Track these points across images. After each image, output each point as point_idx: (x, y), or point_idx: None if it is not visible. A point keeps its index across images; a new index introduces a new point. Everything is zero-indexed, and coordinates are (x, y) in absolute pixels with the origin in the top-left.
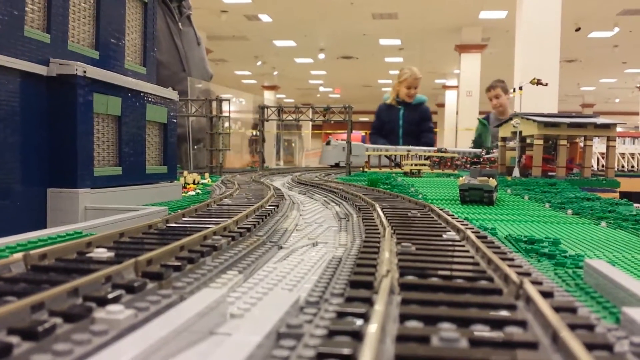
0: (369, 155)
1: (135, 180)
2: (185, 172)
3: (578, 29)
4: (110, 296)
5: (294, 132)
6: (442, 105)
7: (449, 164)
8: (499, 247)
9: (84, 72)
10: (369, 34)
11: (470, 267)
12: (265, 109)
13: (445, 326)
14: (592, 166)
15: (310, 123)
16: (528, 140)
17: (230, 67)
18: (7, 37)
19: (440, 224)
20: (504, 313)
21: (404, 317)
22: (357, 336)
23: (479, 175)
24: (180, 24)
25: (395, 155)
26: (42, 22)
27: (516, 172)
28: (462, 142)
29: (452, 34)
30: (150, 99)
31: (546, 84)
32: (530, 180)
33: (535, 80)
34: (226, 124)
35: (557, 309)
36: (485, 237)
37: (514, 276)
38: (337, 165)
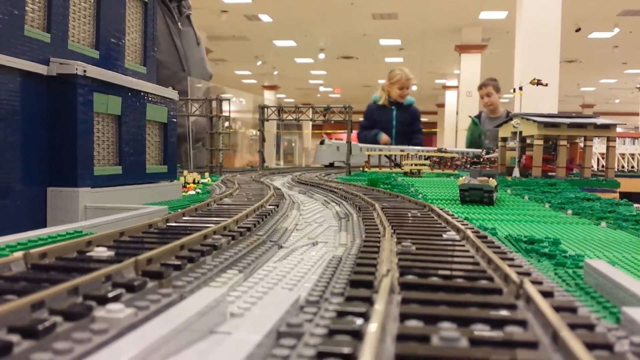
0: (369, 155)
1: (136, 179)
2: (185, 172)
3: (578, 30)
4: (110, 295)
5: (294, 132)
6: (442, 106)
7: (449, 164)
8: (499, 247)
9: (84, 71)
10: (369, 34)
11: (470, 267)
12: (266, 109)
13: (445, 325)
14: (592, 166)
15: (310, 123)
16: (528, 141)
17: (230, 67)
18: (7, 37)
19: (441, 223)
20: (504, 313)
21: (404, 317)
22: (358, 335)
23: (479, 175)
24: (179, 23)
25: (395, 155)
26: (43, 21)
27: (516, 172)
28: (462, 143)
29: (452, 34)
30: (150, 99)
31: (546, 85)
32: (530, 180)
33: (535, 81)
34: (226, 124)
35: (557, 309)
36: (485, 237)
37: (514, 276)
38: (331, 165)
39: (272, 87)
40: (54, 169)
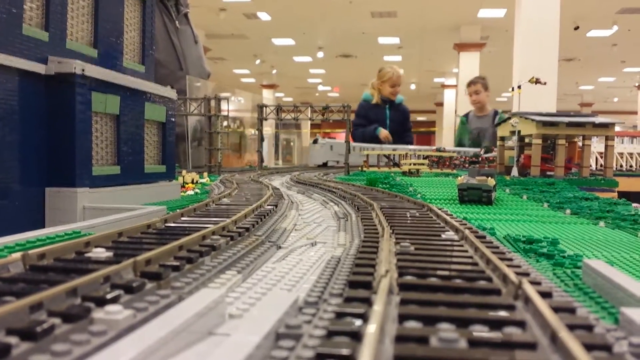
0: (367, 155)
1: (134, 179)
2: (184, 172)
3: (577, 28)
4: (108, 296)
5: (293, 132)
6: (440, 104)
7: (447, 163)
8: (497, 247)
9: (83, 70)
10: (368, 32)
11: (469, 267)
12: (264, 108)
13: (444, 326)
14: (591, 166)
15: (309, 122)
16: (527, 140)
17: (229, 65)
18: (5, 35)
19: (439, 223)
20: (502, 313)
21: (402, 318)
22: (356, 337)
23: (477, 175)
24: (177, 22)
25: (393, 155)
26: (41, 20)
27: (515, 172)
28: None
29: (451, 32)
30: (148, 98)
31: (545, 83)
32: (528, 179)
33: (534, 79)
34: (225, 123)
35: (556, 309)
36: (484, 237)
37: (512, 276)
38: (324, 164)
39: (270, 86)
40: (52, 169)
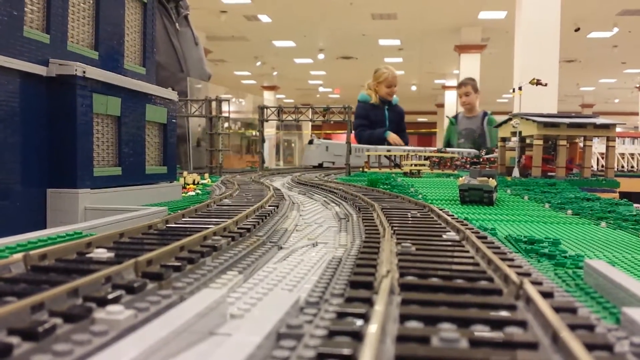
0: (368, 156)
1: (135, 180)
2: (185, 173)
3: (577, 29)
4: (110, 297)
5: (294, 133)
6: (441, 106)
7: (448, 164)
8: (498, 248)
9: (84, 72)
10: (368, 34)
11: (470, 268)
12: (265, 109)
13: (445, 326)
14: (592, 166)
15: (310, 123)
16: (528, 141)
17: (229, 67)
18: (6, 38)
19: (440, 224)
20: (504, 313)
21: (404, 318)
22: (357, 336)
23: (478, 176)
24: (177, 24)
25: (394, 156)
26: (42, 22)
27: (516, 173)
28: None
29: (452, 34)
30: (149, 99)
31: (545, 84)
32: (530, 180)
33: (535, 81)
34: (225, 124)
35: (557, 310)
36: (485, 238)
37: (514, 276)
38: (320, 165)
39: (271, 88)
40: (54, 170)
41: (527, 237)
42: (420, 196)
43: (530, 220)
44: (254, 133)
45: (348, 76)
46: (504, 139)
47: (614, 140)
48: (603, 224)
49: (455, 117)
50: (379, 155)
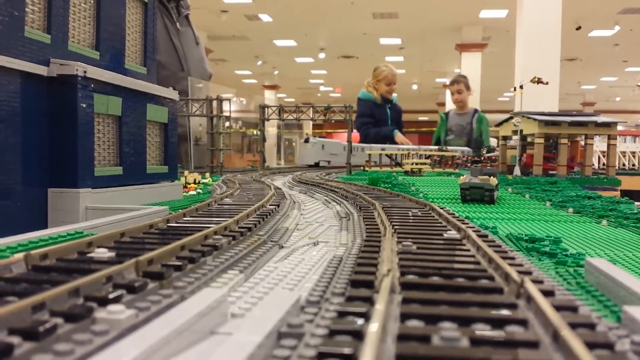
0: (369, 155)
1: (136, 180)
2: (186, 172)
3: (579, 28)
4: (111, 296)
5: (295, 132)
6: (442, 105)
7: (449, 162)
8: (499, 246)
9: (85, 72)
10: (369, 33)
11: (471, 266)
12: (266, 109)
13: (446, 325)
14: (593, 165)
15: (311, 122)
16: (529, 139)
17: (230, 66)
18: (7, 38)
19: (441, 222)
20: (504, 312)
21: (404, 317)
22: (358, 335)
23: (479, 174)
24: (178, 24)
25: (395, 154)
26: (43, 22)
27: (517, 171)
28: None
29: (453, 33)
30: (150, 99)
31: (547, 83)
32: (531, 178)
33: (536, 79)
34: (227, 124)
35: (558, 308)
36: (486, 236)
37: (514, 275)
38: (316, 164)
39: (272, 87)
40: (55, 170)
41: (528, 236)
42: (421, 195)
43: (531, 218)
44: (254, 132)
45: (349, 75)
46: (505, 138)
47: (615, 139)
48: (604, 222)
49: (446, 113)
50: (380, 154)
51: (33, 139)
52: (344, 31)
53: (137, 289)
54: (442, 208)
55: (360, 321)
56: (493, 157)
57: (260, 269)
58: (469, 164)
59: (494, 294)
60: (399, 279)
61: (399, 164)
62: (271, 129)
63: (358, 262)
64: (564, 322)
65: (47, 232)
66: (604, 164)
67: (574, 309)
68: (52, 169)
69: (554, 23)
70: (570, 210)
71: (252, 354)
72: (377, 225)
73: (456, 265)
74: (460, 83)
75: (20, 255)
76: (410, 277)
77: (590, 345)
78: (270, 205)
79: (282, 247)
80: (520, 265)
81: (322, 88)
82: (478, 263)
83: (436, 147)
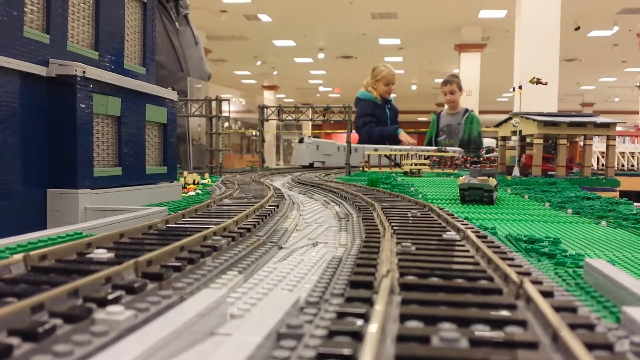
0: (369, 155)
1: (135, 180)
2: (185, 173)
3: (577, 28)
4: (110, 297)
5: (294, 132)
6: (441, 105)
7: (448, 163)
8: (499, 247)
9: (84, 72)
10: (368, 33)
11: (470, 267)
12: (265, 109)
13: (445, 326)
14: (592, 165)
15: (310, 123)
16: (528, 140)
17: (229, 67)
18: (6, 38)
19: (440, 223)
20: (504, 313)
21: (404, 317)
22: (358, 336)
23: (478, 175)
24: (177, 23)
25: (395, 155)
26: (42, 22)
27: (516, 172)
28: None
29: (452, 33)
30: (149, 99)
31: (546, 83)
32: (530, 179)
33: (535, 80)
34: (226, 124)
35: (557, 309)
36: (486, 237)
37: (514, 276)
38: (311, 165)
39: (271, 87)
40: (54, 171)
41: (527, 236)
42: (420, 195)
43: (530, 219)
44: (253, 133)
45: (348, 75)
46: (504, 138)
47: (614, 139)
48: (603, 222)
49: (438, 114)
50: (379, 155)
51: (32, 139)
52: (343, 31)
53: (137, 289)
54: (441, 209)
55: (359, 322)
56: (492, 158)
57: (260, 270)
58: (468, 165)
59: (493, 294)
60: (398, 279)
61: (398, 165)
62: (270, 130)
63: (357, 263)
64: (563, 323)
65: (46, 233)
66: (603, 165)
67: (573, 310)
68: (51, 170)
69: (553, 23)
70: (570, 211)
71: (251, 355)
72: (376, 226)
73: (455, 266)
74: (453, 83)
75: (19, 256)
76: (410, 278)
77: (590, 346)
78: (269, 206)
79: (281, 247)
80: (520, 266)
81: (321, 88)
82: (477, 264)
83: (435, 147)
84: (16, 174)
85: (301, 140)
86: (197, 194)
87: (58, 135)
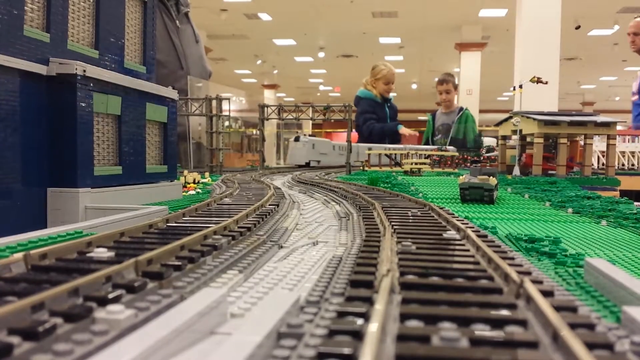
0: (369, 155)
1: (136, 179)
2: (186, 172)
3: (578, 27)
4: (110, 296)
5: (294, 131)
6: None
7: (449, 162)
8: (499, 246)
9: (84, 71)
10: (368, 32)
11: (470, 266)
12: (265, 108)
13: (445, 325)
14: (593, 164)
15: (311, 122)
16: (528, 139)
17: (230, 66)
18: (6, 37)
19: (441, 222)
20: (504, 312)
21: (404, 317)
22: (358, 336)
23: (479, 174)
24: (177, 21)
25: (395, 154)
26: (42, 21)
27: (516, 171)
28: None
29: (452, 32)
30: (150, 98)
31: (546, 82)
32: (530, 178)
33: (536, 79)
34: (226, 123)
35: (558, 308)
36: (486, 236)
37: (514, 275)
38: (307, 164)
39: (272, 86)
40: (54, 170)
41: (528, 236)
42: (420, 195)
43: (530, 218)
44: (254, 132)
45: (348, 74)
46: (504, 137)
47: (615, 138)
48: (603, 222)
49: (433, 114)
50: (379, 154)
51: (32, 138)
52: (343, 30)
53: (137, 288)
54: (441, 208)
55: (359, 321)
56: (492, 157)
57: (260, 269)
58: (468, 164)
59: (493, 294)
60: (398, 279)
61: (399, 164)
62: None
63: (357, 262)
64: (564, 323)
65: (47, 232)
66: (603, 164)
67: (573, 309)
68: (51, 169)
69: (553, 22)
70: (570, 210)
71: (251, 354)
72: (376, 225)
73: (456, 266)
74: (448, 82)
75: (19, 255)
76: (410, 277)
77: (590, 346)
78: (269, 205)
79: (281, 247)
80: (520, 265)
81: (321, 87)
82: (477, 263)
83: (436, 147)
84: (16, 172)
85: (297, 139)
86: (198, 193)
87: (58, 134)
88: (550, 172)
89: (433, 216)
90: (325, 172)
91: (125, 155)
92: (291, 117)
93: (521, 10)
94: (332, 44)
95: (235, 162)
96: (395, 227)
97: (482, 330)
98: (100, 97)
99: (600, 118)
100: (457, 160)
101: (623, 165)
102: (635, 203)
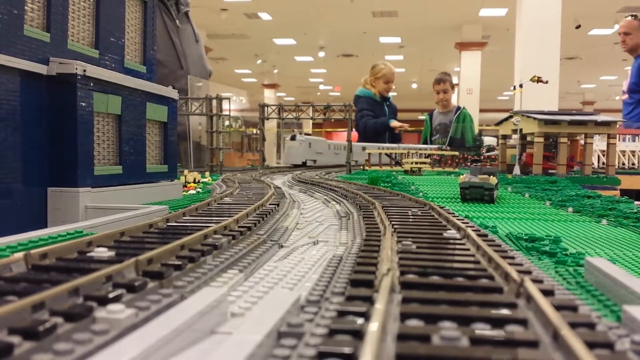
0: (369, 154)
1: (136, 179)
2: (186, 171)
3: (578, 27)
4: (111, 295)
5: (295, 131)
6: None
7: (449, 161)
8: (499, 245)
9: (84, 71)
10: (369, 31)
11: (470, 266)
12: (266, 107)
13: (446, 325)
14: (593, 164)
15: (311, 121)
16: (529, 138)
17: (230, 65)
18: (6, 36)
19: (441, 222)
20: (504, 311)
21: (404, 316)
22: (358, 335)
23: (479, 173)
24: (177, 21)
25: (395, 154)
26: (42, 21)
27: (517, 170)
28: None
29: (453, 31)
30: (150, 98)
31: (546, 82)
32: (530, 178)
33: (536, 78)
34: (226, 123)
35: (558, 307)
36: (486, 235)
37: (514, 274)
38: (303, 164)
39: (272, 86)
40: (54, 169)
41: (528, 235)
42: (420, 194)
43: (531, 218)
44: (254, 131)
45: (349, 74)
46: (505, 137)
47: (615, 138)
48: (604, 221)
49: (430, 114)
50: (379, 153)
51: (32, 138)
52: (343, 30)
53: (137, 288)
54: (441, 207)
55: (360, 320)
56: (493, 156)
57: (260, 268)
58: (468, 163)
59: (493, 293)
60: (398, 278)
61: (399, 163)
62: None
63: (358, 262)
64: (564, 322)
65: (47, 232)
66: (603, 163)
67: (573, 309)
68: (51, 168)
69: (553, 22)
70: (570, 209)
71: (252, 354)
72: (376, 224)
73: (456, 265)
74: (446, 82)
75: (20, 254)
76: (410, 277)
77: (590, 345)
78: (270, 204)
79: (281, 246)
80: (520, 264)
81: (321, 87)
82: (478, 262)
83: (436, 146)
84: (17, 172)
85: (293, 138)
86: (198, 192)
87: (58, 134)
88: (550, 171)
89: (433, 215)
90: (325, 172)
91: (126, 155)
92: (291, 117)
93: (521, 9)
94: (332, 44)
95: (235, 161)
96: (395, 226)
97: (482, 330)
98: (101, 96)
99: (601, 117)
100: (457, 160)
101: (623, 164)
102: (636, 202)
